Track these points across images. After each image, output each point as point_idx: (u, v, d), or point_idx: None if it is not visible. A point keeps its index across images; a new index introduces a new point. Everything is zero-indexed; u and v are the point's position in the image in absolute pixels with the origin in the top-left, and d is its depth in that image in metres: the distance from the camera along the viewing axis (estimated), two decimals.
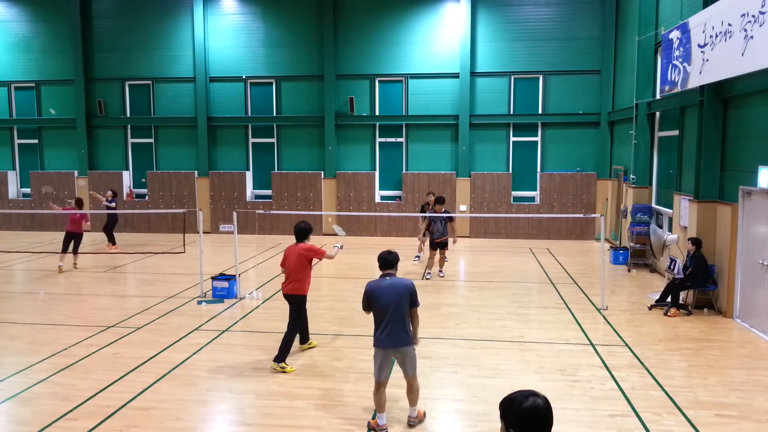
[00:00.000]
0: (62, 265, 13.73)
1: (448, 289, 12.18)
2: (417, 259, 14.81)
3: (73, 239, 13.97)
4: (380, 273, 6.10)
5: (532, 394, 2.57)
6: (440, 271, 13.29)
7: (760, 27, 8.35)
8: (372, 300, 5.90)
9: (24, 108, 21.19)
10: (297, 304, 7.94)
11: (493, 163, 19.19)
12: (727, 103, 10.33)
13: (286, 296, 7.99)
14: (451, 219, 13.19)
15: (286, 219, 19.26)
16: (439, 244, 12.94)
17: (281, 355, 7.65)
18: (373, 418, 6.14)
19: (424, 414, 6.23)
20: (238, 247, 11.57)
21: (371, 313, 6.04)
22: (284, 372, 7.54)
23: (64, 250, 13.88)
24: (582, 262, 15.06)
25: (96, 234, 19.90)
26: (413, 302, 5.92)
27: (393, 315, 5.79)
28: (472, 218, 18.69)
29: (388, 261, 6.07)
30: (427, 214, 13.23)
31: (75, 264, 14.12)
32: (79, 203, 14.67)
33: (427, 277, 12.99)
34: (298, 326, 7.98)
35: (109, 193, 16.84)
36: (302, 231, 8.00)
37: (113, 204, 16.70)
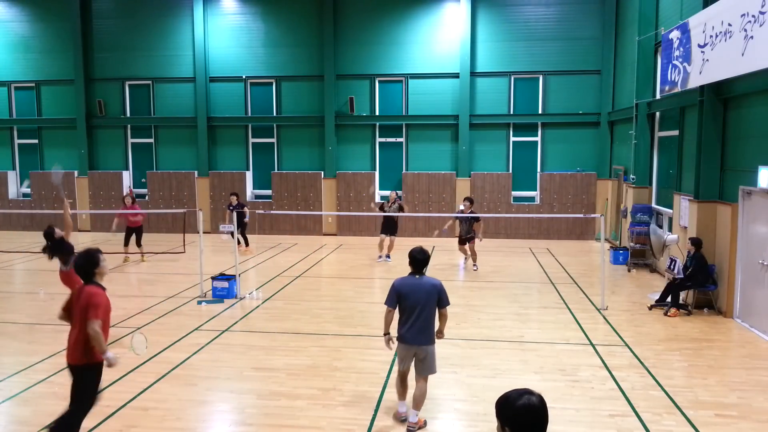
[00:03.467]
0: (128, 256, 14.78)
1: (448, 289, 12.14)
2: (381, 259, 14.97)
3: (134, 233, 14.83)
4: (410, 271, 6.02)
5: (527, 392, 2.58)
6: (474, 265, 13.91)
7: (760, 27, 8.35)
8: (400, 298, 5.87)
9: (24, 108, 21.19)
10: (78, 376, 5.37)
11: (493, 163, 19.19)
12: (727, 103, 10.33)
13: (70, 368, 5.40)
14: (477, 219, 13.95)
15: (286, 219, 19.27)
16: (466, 240, 13.84)
17: None
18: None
19: (425, 422, 6.07)
20: (238, 247, 11.56)
21: (391, 311, 5.98)
22: None
23: (126, 244, 14.83)
24: (582, 262, 15.06)
25: (96, 234, 19.94)
26: (442, 302, 5.93)
27: (420, 314, 5.81)
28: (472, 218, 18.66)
29: (420, 261, 5.95)
30: (455, 215, 14.50)
31: (142, 257, 14.97)
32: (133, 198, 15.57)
33: (474, 268, 13.89)
34: (85, 404, 5.45)
35: (233, 198, 16.49)
36: (82, 267, 5.40)
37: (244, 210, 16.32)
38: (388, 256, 14.91)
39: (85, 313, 5.15)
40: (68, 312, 5.48)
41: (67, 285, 8.95)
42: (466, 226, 13.73)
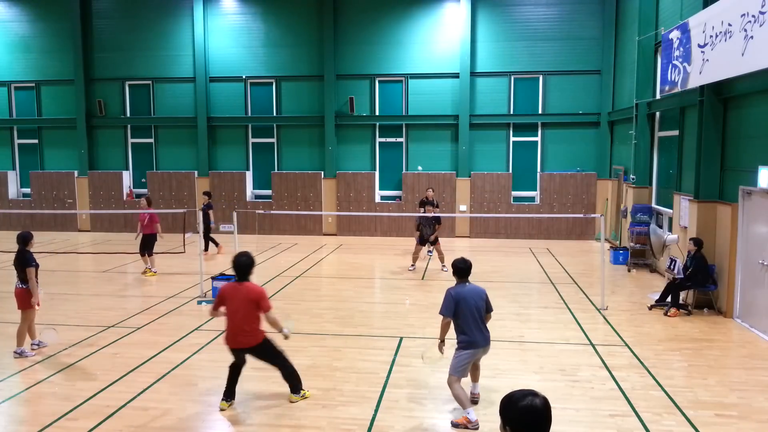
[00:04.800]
0: (149, 267, 13.36)
1: (444, 290, 12.13)
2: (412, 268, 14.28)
3: (144, 241, 13.37)
4: (456, 281, 6.45)
5: (531, 393, 2.58)
6: (443, 266, 13.66)
7: (760, 27, 8.35)
8: (459, 304, 6.26)
9: (24, 108, 21.18)
10: (261, 350, 6.53)
11: (493, 163, 19.18)
12: (727, 103, 10.33)
13: (240, 351, 6.51)
14: (437, 221, 13.84)
15: (286, 219, 19.27)
16: (428, 242, 13.77)
17: (296, 386, 6.71)
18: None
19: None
20: (238, 247, 11.55)
21: (450, 320, 6.30)
22: (305, 399, 6.73)
23: (143, 254, 13.41)
24: (582, 262, 15.05)
25: (96, 234, 19.94)
26: (488, 307, 6.46)
27: (479, 317, 6.31)
28: (472, 218, 18.68)
29: (464, 270, 6.47)
30: (418, 214, 14.18)
31: (148, 269, 13.41)
32: (149, 201, 13.92)
33: (411, 268, 13.83)
34: (283, 358, 6.67)
35: (205, 197, 16.23)
36: (245, 266, 6.43)
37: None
38: (430, 252, 15.10)
39: (256, 303, 6.25)
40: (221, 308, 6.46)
41: (18, 300, 8.20)
42: (429, 228, 13.71)
